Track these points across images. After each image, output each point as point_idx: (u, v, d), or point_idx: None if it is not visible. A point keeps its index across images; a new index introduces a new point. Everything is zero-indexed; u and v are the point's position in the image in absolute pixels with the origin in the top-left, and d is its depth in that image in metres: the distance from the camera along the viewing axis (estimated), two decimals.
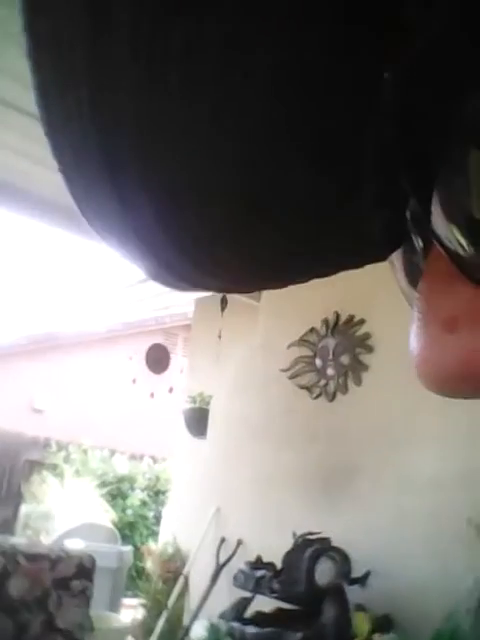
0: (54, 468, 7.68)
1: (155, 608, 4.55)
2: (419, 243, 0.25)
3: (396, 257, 0.27)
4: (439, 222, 0.22)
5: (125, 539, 6.42)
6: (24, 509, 7.23)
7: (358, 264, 0.28)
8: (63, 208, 4.05)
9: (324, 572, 3.19)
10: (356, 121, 0.23)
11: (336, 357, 4.01)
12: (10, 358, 9.53)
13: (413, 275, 0.26)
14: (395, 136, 0.23)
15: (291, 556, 3.40)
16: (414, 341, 0.24)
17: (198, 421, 5.07)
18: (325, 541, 3.36)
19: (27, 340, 9.71)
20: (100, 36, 0.19)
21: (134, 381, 9.93)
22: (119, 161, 0.22)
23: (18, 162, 3.72)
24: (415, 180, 0.23)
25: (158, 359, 10.27)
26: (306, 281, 0.29)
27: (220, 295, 5.22)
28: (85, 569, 3.03)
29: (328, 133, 0.23)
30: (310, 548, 3.31)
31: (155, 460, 8.17)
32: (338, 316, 4.04)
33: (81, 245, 8.91)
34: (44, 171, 3.69)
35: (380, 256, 0.28)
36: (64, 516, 6.58)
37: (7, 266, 16.46)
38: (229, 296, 5.16)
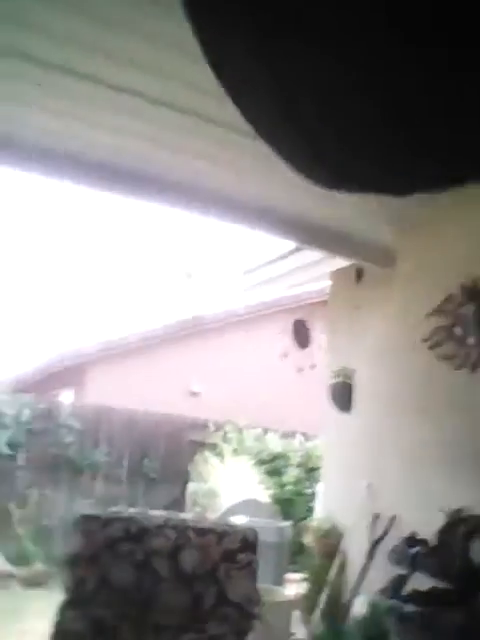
0: (214, 448, 7.97)
1: (317, 583, 4.63)
2: None
3: None
4: None
5: (284, 515, 6.55)
6: (191, 488, 7.58)
7: None
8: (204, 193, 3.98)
9: (479, 551, 3.07)
10: None
11: (477, 325, 3.78)
12: (166, 345, 10.01)
13: None
14: None
15: (444, 534, 3.31)
16: None
17: (342, 396, 5.03)
18: (478, 518, 3.23)
19: (178, 326, 10.14)
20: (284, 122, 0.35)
21: (286, 355, 10.06)
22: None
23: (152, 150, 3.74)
24: None
25: (301, 334, 10.33)
26: (437, 188, 0.35)
27: (355, 267, 5.10)
28: (249, 543, 3.07)
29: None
30: (463, 526, 3.20)
31: (307, 437, 8.21)
32: (476, 282, 3.80)
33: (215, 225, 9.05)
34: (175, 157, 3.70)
35: None
36: (227, 493, 6.83)
37: (152, 255, 17.19)
38: (364, 266, 5.03)
